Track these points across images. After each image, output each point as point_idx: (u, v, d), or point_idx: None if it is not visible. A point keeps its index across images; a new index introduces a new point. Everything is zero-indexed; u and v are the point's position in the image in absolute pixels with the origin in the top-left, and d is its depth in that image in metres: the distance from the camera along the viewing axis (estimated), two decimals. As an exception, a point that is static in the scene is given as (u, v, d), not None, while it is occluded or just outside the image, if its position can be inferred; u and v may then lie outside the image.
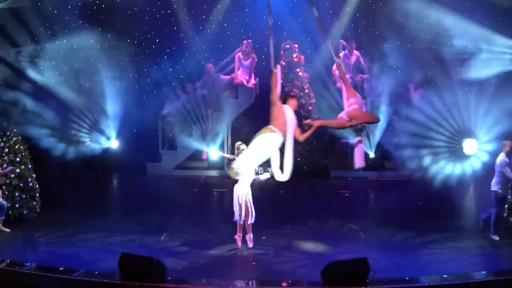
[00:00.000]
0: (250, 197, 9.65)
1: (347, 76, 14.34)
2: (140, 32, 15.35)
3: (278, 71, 8.55)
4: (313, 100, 15.03)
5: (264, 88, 14.98)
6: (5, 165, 11.02)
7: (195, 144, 15.07)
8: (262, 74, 14.99)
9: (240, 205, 9.60)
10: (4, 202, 10.69)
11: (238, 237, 9.77)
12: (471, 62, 13.56)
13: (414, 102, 14.48)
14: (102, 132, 15.08)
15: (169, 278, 7.66)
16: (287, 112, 8.41)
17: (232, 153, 15.23)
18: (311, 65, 15.08)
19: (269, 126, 8.30)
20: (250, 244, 9.75)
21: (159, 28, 15.41)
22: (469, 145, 13.94)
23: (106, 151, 15.06)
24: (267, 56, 15.43)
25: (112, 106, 15.05)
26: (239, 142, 9.81)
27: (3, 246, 9.83)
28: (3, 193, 10.87)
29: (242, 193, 9.60)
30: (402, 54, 14.08)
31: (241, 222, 9.71)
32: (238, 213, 9.63)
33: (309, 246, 9.97)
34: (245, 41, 15.01)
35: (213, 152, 14.04)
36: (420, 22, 13.93)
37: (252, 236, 9.77)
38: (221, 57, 15.17)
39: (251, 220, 9.67)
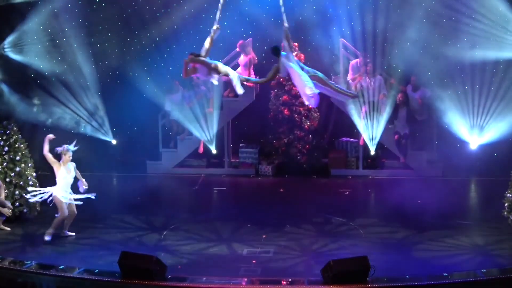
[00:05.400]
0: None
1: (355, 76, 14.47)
2: (140, 30, 15.34)
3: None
4: (313, 98, 14.98)
5: (264, 87, 14.94)
6: (6, 163, 11.00)
7: (195, 142, 15.04)
8: (262, 72, 14.93)
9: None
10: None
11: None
12: None
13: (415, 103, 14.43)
14: (101, 127, 15.07)
15: (169, 276, 7.66)
16: None
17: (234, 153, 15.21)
18: (311, 64, 15.03)
19: None
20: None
21: (159, 26, 15.38)
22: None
23: (105, 148, 15.04)
24: (267, 54, 15.45)
25: (112, 104, 15.04)
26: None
27: (3, 244, 9.84)
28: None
29: None
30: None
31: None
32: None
33: (309, 244, 9.99)
34: (240, 41, 14.93)
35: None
36: None
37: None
38: (221, 56, 15.11)
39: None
